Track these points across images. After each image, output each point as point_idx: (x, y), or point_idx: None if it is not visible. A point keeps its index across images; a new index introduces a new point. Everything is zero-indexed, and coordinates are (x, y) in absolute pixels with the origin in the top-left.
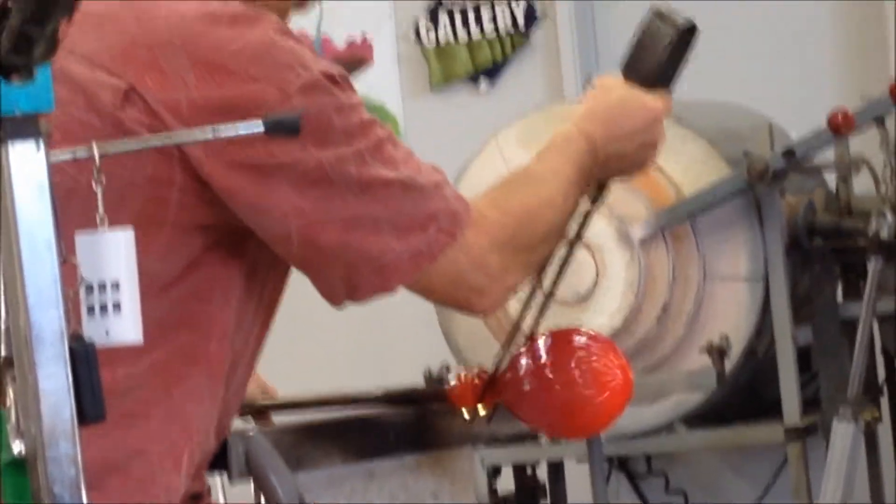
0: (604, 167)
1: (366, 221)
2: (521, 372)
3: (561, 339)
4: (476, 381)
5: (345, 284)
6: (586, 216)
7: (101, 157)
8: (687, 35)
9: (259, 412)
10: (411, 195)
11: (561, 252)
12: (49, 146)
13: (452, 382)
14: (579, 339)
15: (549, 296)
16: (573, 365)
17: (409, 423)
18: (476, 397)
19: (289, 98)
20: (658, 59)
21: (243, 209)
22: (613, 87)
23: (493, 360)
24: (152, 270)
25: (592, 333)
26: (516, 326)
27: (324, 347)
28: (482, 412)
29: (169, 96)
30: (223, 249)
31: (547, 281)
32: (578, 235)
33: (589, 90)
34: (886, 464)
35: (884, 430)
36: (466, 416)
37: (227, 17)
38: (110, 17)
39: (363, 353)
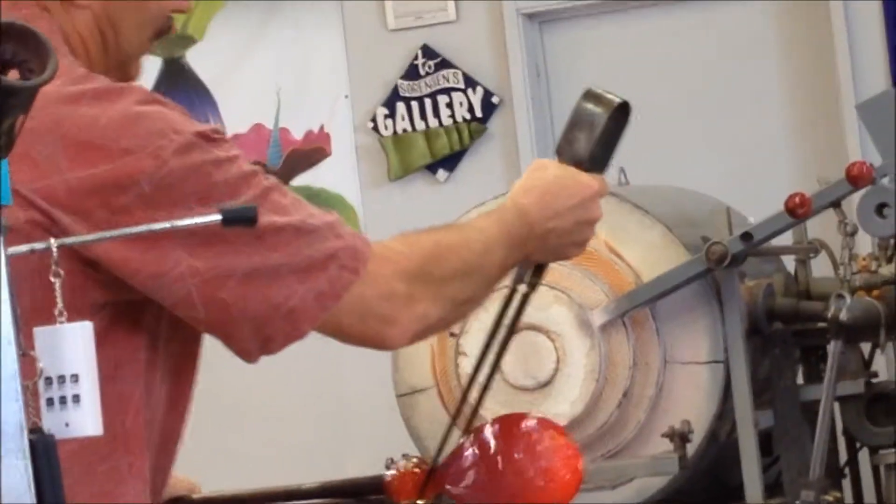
0: (541, 243)
1: (264, 270)
2: (467, 462)
3: (509, 427)
4: (416, 471)
5: (257, 338)
6: (525, 298)
7: (58, 248)
8: (620, 114)
9: None
10: (306, 238)
11: (502, 335)
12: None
13: (390, 473)
14: (528, 426)
15: (491, 377)
16: (522, 455)
17: None
18: (416, 489)
19: (165, 163)
20: (591, 139)
21: (140, 280)
22: (548, 166)
23: (435, 449)
24: None
25: (541, 419)
26: (458, 410)
27: (283, 438)
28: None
29: (43, 184)
30: (121, 327)
31: (489, 363)
32: (517, 318)
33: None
34: None
35: None
36: None
37: (89, 94)
38: None
39: (323, 444)
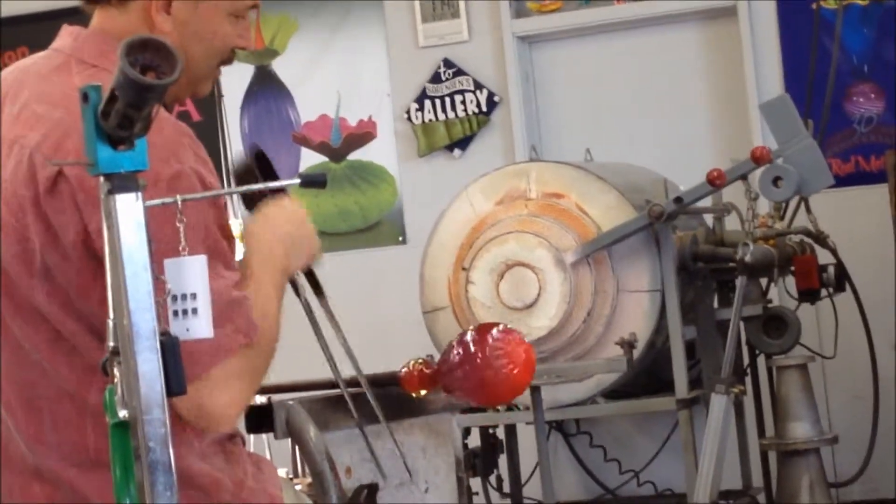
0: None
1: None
2: (455, 360)
3: (483, 333)
4: (421, 369)
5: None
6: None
7: (182, 202)
8: (259, 160)
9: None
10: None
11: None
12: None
13: (403, 370)
14: (496, 333)
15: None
16: (490, 352)
17: (405, 395)
18: (420, 382)
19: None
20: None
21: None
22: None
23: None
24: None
25: (505, 327)
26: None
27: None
28: (423, 393)
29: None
30: None
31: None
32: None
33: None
34: (749, 425)
35: (748, 401)
36: (413, 395)
37: None
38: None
39: (365, 345)
